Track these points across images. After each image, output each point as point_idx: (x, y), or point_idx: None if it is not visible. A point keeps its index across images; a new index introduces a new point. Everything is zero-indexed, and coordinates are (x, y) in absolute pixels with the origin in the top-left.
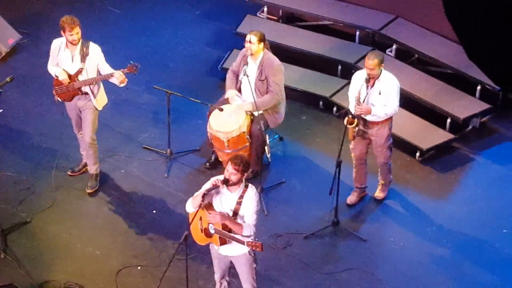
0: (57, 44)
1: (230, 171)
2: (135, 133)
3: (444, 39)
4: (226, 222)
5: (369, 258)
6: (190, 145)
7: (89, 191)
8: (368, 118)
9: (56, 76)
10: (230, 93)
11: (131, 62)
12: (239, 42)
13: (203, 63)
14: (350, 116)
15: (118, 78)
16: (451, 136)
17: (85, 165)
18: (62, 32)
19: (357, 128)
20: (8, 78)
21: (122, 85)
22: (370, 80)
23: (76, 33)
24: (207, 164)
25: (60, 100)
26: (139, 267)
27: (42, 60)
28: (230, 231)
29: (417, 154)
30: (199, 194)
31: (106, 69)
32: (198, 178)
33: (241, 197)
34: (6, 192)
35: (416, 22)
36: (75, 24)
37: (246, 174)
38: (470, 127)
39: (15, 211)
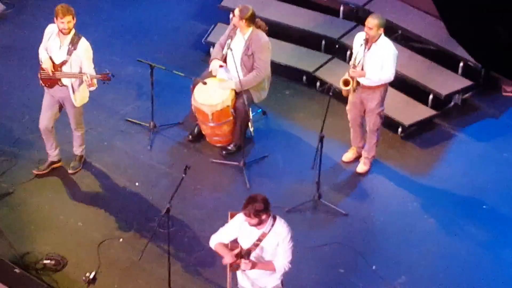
0: (51, 30)
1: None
2: (118, 106)
3: (428, 15)
4: (257, 267)
5: (350, 232)
6: (173, 118)
7: (71, 171)
8: (362, 81)
9: (41, 61)
10: (214, 64)
11: (107, 70)
12: (223, 15)
13: (187, 36)
14: (346, 77)
15: (86, 81)
16: (433, 112)
17: (51, 164)
18: (54, 18)
19: (352, 87)
20: None
21: (91, 88)
22: (368, 42)
23: (67, 22)
24: (190, 137)
25: (42, 84)
26: (121, 239)
27: (25, 31)
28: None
29: (399, 129)
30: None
31: (87, 68)
32: (181, 151)
33: (265, 233)
34: None
35: None
36: (68, 12)
37: (265, 215)
38: (452, 103)
39: None
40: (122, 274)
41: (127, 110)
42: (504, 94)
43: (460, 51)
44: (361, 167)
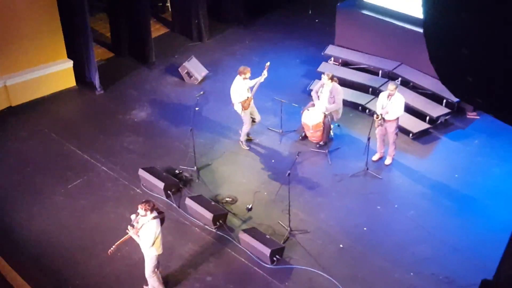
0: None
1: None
2: (265, 122)
3: (427, 75)
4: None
5: (383, 188)
6: (292, 127)
7: (245, 147)
8: (386, 117)
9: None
10: (316, 102)
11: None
12: (318, 76)
13: (300, 86)
14: (377, 114)
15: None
16: (428, 125)
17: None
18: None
19: (380, 121)
20: (201, 92)
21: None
22: (389, 97)
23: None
24: (300, 137)
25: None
26: (265, 193)
27: (218, 83)
28: None
29: (410, 134)
30: None
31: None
32: (296, 144)
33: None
34: (201, 150)
35: (411, 65)
36: (246, 69)
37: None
38: (439, 121)
39: (204, 158)
40: (264, 205)
41: (267, 123)
42: (468, 116)
43: (444, 94)
44: (388, 161)
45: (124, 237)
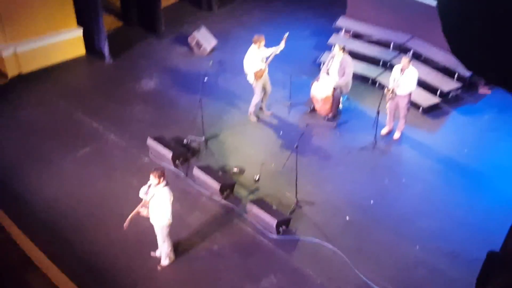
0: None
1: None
2: (275, 94)
3: (437, 48)
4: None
5: (391, 161)
6: (301, 100)
7: (253, 119)
8: (397, 91)
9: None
10: (322, 75)
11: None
12: (329, 48)
13: (309, 57)
14: (388, 88)
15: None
16: (439, 99)
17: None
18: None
19: (391, 95)
20: (210, 62)
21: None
22: (402, 71)
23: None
24: (309, 110)
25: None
26: (272, 164)
27: (227, 54)
28: None
29: (420, 108)
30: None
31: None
32: (305, 117)
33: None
34: (209, 120)
35: (423, 38)
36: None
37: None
38: (450, 95)
39: (212, 129)
40: (271, 176)
41: (276, 95)
42: (479, 91)
43: (455, 68)
44: (397, 135)
45: (136, 209)
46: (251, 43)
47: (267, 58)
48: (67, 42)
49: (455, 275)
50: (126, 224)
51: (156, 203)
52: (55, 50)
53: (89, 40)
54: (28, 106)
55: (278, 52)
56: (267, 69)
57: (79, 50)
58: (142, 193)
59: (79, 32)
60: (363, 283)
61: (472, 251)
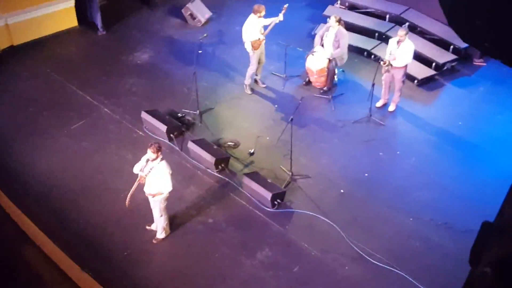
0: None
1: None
2: (269, 66)
3: (433, 19)
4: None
5: (386, 134)
6: (296, 72)
7: (249, 92)
8: (393, 63)
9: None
10: (317, 47)
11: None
12: (324, 20)
13: (304, 29)
14: (384, 60)
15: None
16: (434, 72)
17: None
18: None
19: (387, 67)
20: (205, 34)
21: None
22: (399, 43)
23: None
24: (304, 82)
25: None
26: (267, 138)
27: (221, 26)
28: None
29: (415, 81)
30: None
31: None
32: (300, 89)
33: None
34: (204, 93)
35: (419, 10)
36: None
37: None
38: (445, 67)
39: (207, 102)
40: (266, 150)
41: (271, 68)
42: (474, 63)
43: (451, 40)
44: (392, 107)
45: (134, 186)
46: (247, 15)
47: (265, 29)
48: (59, 13)
49: (449, 246)
50: (127, 201)
51: (154, 177)
52: (47, 21)
53: (82, 11)
54: (21, 78)
55: (277, 21)
56: (264, 40)
57: (72, 21)
58: (137, 169)
59: (71, 3)
60: (358, 255)
61: (466, 222)
